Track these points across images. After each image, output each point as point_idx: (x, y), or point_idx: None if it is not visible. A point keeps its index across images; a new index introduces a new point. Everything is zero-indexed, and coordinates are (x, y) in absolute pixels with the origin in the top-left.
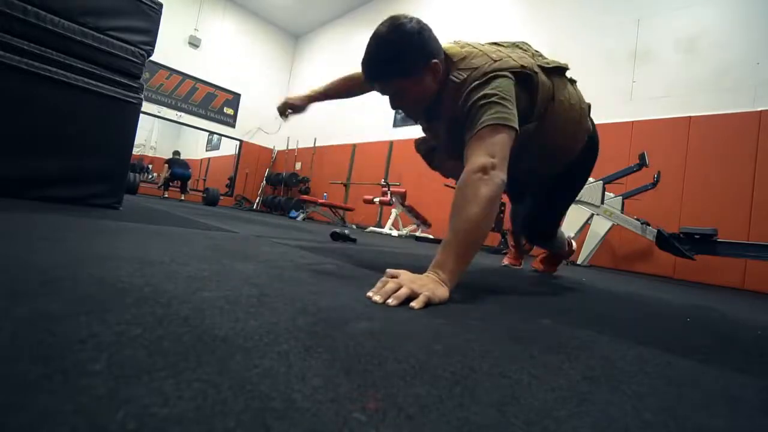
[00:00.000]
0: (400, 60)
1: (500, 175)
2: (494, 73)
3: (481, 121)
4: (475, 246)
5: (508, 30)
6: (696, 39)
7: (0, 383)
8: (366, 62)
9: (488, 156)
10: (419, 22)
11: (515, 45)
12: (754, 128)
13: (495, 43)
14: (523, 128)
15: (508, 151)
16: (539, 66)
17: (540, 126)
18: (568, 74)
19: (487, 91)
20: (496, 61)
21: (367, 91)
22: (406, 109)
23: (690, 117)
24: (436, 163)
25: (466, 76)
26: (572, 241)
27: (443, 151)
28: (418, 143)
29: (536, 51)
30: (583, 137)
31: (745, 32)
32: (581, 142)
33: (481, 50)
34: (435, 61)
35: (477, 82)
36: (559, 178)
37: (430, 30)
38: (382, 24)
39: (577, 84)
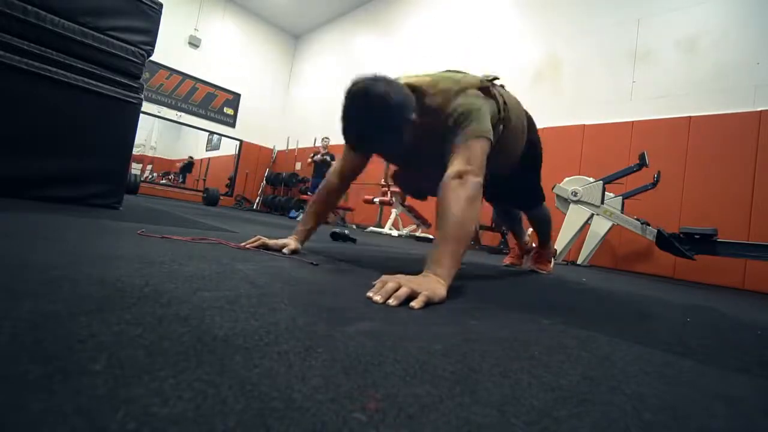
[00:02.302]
0: (387, 135)
1: (474, 179)
2: (464, 92)
3: (463, 135)
4: (463, 243)
5: (509, 30)
6: (696, 39)
7: (0, 383)
8: (354, 137)
9: (465, 163)
10: (387, 82)
11: (448, 71)
12: (754, 128)
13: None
14: (495, 135)
15: (485, 160)
16: (484, 79)
17: (504, 127)
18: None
19: (463, 109)
20: (458, 81)
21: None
22: (388, 158)
23: (690, 117)
24: (422, 193)
25: (441, 99)
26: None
27: (419, 178)
28: (401, 184)
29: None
30: (524, 132)
31: (744, 32)
32: (524, 135)
33: (440, 76)
34: (413, 117)
35: (454, 103)
36: (517, 168)
37: (396, 84)
38: (357, 95)
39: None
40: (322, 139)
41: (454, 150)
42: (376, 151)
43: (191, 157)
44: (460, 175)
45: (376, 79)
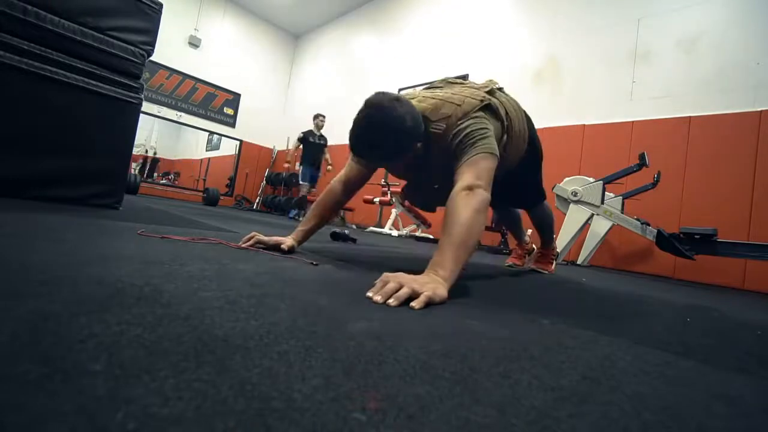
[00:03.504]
0: (398, 148)
1: (484, 193)
2: (467, 116)
3: (470, 153)
4: (467, 247)
5: (509, 30)
6: (696, 39)
7: (0, 383)
8: (364, 150)
9: (475, 178)
10: (400, 101)
11: (447, 82)
12: (754, 128)
13: (430, 88)
14: (499, 149)
15: (492, 176)
16: (484, 92)
17: (508, 136)
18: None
19: (468, 130)
20: (460, 105)
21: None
22: (393, 170)
23: (690, 117)
24: (430, 205)
25: (444, 125)
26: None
27: (429, 192)
28: (410, 197)
29: (463, 80)
30: (525, 134)
31: (744, 32)
32: (526, 137)
33: (441, 99)
34: (419, 144)
35: (457, 128)
36: (517, 167)
37: (409, 104)
38: (370, 108)
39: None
40: (316, 116)
41: (462, 167)
42: (379, 164)
43: (154, 150)
44: (470, 188)
45: (396, 99)
